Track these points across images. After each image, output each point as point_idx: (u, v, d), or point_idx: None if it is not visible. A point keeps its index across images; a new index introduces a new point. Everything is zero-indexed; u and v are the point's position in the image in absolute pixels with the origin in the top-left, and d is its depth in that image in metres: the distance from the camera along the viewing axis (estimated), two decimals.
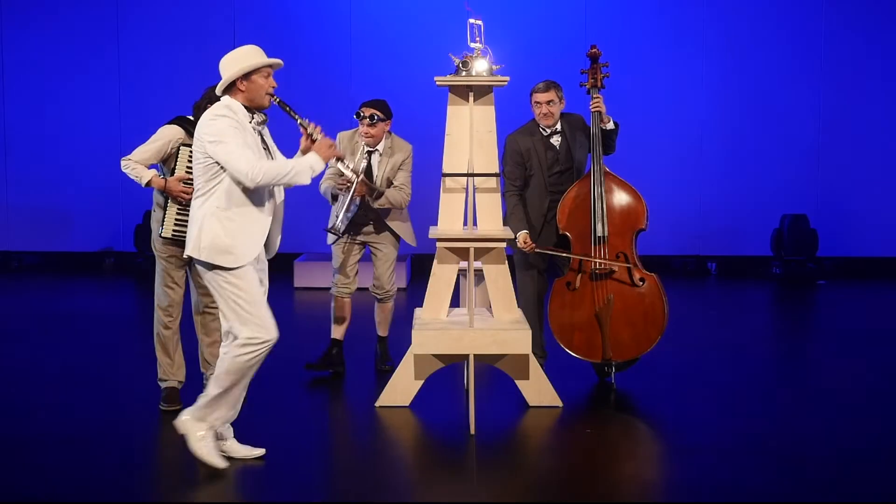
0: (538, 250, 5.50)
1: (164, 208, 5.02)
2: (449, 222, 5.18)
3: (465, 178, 5.15)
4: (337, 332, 5.90)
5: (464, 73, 5.04)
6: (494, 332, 4.97)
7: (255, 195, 4.14)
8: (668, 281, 5.59)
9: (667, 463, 4.56)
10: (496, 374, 5.46)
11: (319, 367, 5.84)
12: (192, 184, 4.87)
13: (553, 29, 10.12)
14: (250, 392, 5.21)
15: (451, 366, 5.28)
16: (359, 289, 6.01)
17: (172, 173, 5.01)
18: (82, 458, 4.41)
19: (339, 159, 4.41)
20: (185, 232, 4.88)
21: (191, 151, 4.89)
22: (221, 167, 4.07)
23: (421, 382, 5.15)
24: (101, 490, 4.03)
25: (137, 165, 4.99)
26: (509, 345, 4.97)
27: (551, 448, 4.77)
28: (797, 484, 4.14)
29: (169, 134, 5.06)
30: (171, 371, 5.17)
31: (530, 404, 5.15)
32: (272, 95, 4.17)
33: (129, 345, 6.99)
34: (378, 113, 5.66)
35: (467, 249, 5.06)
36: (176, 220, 4.99)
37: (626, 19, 10.18)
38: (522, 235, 5.45)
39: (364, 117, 5.66)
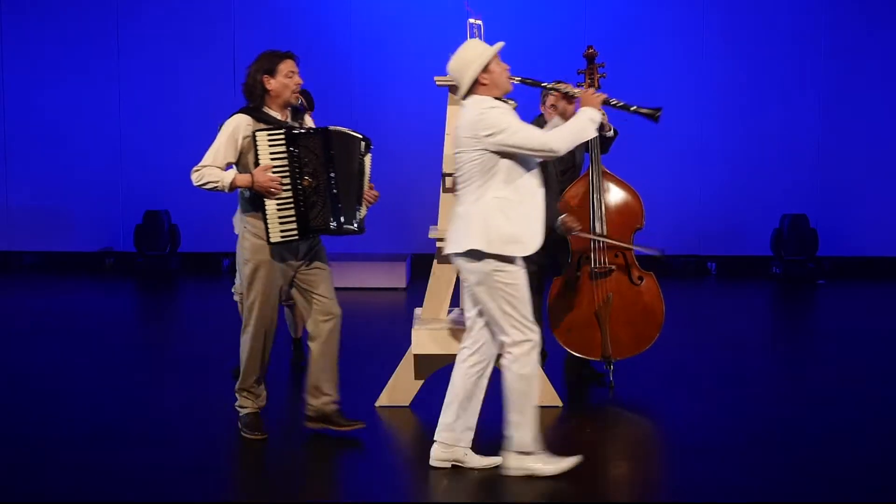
0: (582, 235, 5.40)
1: (263, 211, 4.38)
2: (449, 221, 5.17)
3: None
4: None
5: None
6: None
7: (531, 180, 4.10)
8: (668, 281, 5.59)
9: (666, 463, 4.56)
10: (496, 374, 5.45)
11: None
12: (280, 172, 4.37)
13: (553, 28, 10.12)
14: None
15: (451, 365, 5.27)
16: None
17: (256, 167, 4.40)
18: (81, 458, 4.41)
19: (606, 102, 4.29)
20: (295, 231, 4.40)
21: (269, 136, 4.39)
22: (499, 156, 4.00)
23: (421, 382, 5.15)
24: (102, 490, 4.03)
25: (212, 169, 4.38)
26: None
27: (551, 448, 4.75)
28: (798, 484, 4.14)
29: (234, 122, 4.45)
30: (255, 400, 4.67)
31: None
32: (511, 77, 4.15)
33: (128, 345, 6.99)
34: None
35: None
36: (280, 219, 4.38)
37: (626, 19, 10.19)
38: (565, 219, 5.33)
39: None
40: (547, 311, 5.59)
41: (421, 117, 9.63)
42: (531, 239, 4.06)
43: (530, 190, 4.08)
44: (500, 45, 4.11)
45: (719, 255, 10.42)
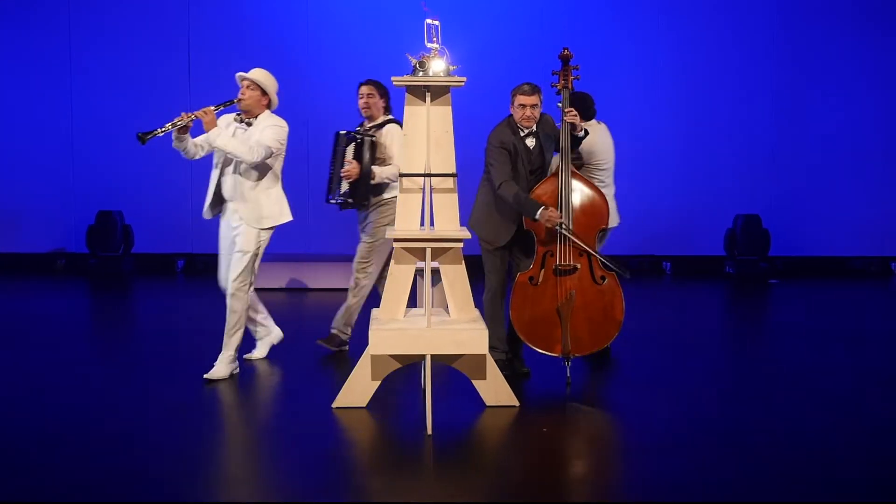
0: (566, 233, 5.49)
1: None
2: (406, 222, 5.17)
3: (422, 178, 5.15)
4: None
5: (421, 74, 5.04)
6: (451, 333, 4.97)
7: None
8: (624, 280, 5.66)
9: (623, 461, 4.59)
10: (453, 375, 5.46)
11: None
12: None
13: (510, 29, 10.16)
14: (213, 394, 5.15)
15: (408, 366, 5.27)
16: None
17: None
18: (38, 460, 4.34)
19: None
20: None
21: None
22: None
23: (378, 383, 5.14)
24: (59, 493, 3.97)
25: None
26: (466, 345, 4.98)
27: (508, 447, 4.78)
28: (753, 480, 4.19)
29: None
30: None
31: (487, 404, 5.16)
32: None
33: (82, 348, 6.89)
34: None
35: (424, 250, 5.06)
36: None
37: (583, 20, 10.26)
38: (548, 211, 5.42)
39: None
40: (509, 306, 5.62)
41: None
42: None
43: None
44: None
45: (674, 254, 10.53)
